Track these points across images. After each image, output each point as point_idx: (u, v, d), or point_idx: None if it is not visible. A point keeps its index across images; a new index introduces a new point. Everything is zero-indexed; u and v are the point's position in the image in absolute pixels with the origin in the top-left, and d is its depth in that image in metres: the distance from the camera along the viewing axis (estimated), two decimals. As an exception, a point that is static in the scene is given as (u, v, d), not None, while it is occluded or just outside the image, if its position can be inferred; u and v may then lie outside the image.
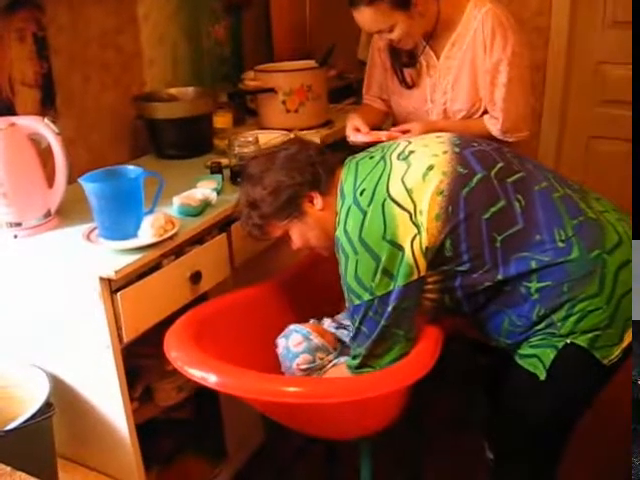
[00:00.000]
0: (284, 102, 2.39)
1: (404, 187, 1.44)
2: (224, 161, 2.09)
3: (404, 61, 2.07)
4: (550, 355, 1.43)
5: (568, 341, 1.41)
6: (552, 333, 1.43)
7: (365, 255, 1.42)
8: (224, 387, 1.39)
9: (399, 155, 1.52)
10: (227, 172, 2.05)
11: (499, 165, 1.48)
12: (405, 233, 1.41)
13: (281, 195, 1.56)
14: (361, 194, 1.48)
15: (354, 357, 1.52)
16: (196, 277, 1.74)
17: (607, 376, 1.48)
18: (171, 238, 1.65)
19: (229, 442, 2.10)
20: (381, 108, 2.23)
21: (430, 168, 1.45)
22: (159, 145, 2.33)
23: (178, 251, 1.71)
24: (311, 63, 2.49)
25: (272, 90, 2.39)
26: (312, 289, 1.96)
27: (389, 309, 1.42)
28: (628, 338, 1.43)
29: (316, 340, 1.70)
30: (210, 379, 1.37)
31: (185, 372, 1.42)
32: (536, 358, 1.46)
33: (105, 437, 1.74)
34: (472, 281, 1.45)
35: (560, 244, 1.41)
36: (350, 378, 1.49)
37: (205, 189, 1.87)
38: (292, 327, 1.76)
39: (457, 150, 1.50)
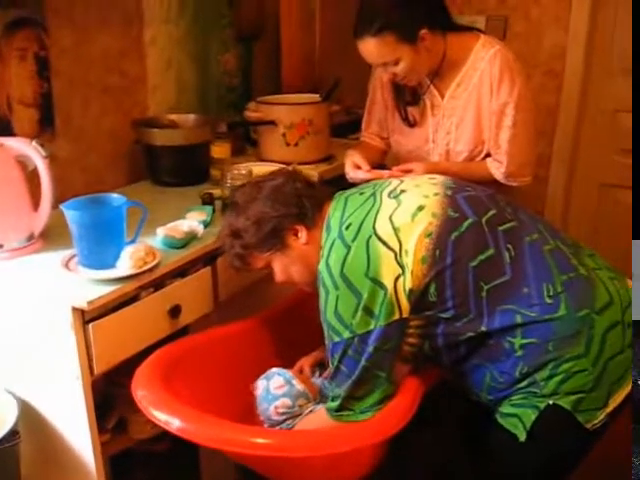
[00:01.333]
0: (284, 135, 2.37)
1: (391, 225, 1.41)
2: (217, 192, 2.06)
3: (407, 99, 2.04)
4: (531, 416, 1.38)
5: (550, 402, 1.36)
6: (534, 392, 1.38)
7: (346, 291, 1.38)
8: (187, 434, 1.33)
9: (390, 193, 1.49)
10: (219, 203, 2.02)
11: (491, 212, 1.44)
12: (389, 272, 1.37)
13: (264, 226, 1.52)
14: (347, 228, 1.44)
15: (333, 399, 1.46)
16: (175, 311, 1.70)
17: (590, 441, 1.43)
18: (151, 270, 1.61)
19: (205, 477, 2.05)
20: (380, 146, 2.20)
21: (420, 209, 1.42)
22: (155, 171, 2.31)
23: (158, 283, 1.68)
24: (314, 97, 2.47)
25: (273, 123, 2.37)
26: (299, 329, 1.92)
27: (370, 349, 1.37)
28: (613, 403, 1.38)
29: (298, 386, 1.66)
30: (173, 424, 1.32)
31: (149, 414, 1.38)
32: (516, 418, 1.40)
33: (71, 469, 1.69)
34: (455, 329, 1.40)
35: (548, 300, 1.36)
36: (321, 432, 1.42)
37: (192, 221, 1.84)
38: (275, 370, 1.72)
39: (449, 193, 1.46)
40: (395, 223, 1.41)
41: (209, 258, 1.84)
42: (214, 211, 1.99)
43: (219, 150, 2.33)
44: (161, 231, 1.75)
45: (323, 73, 3.12)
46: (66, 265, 1.61)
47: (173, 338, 1.70)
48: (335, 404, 1.45)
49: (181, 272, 1.75)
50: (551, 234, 1.47)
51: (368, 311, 1.37)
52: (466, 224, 1.40)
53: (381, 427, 1.35)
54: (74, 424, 1.63)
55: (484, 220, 1.42)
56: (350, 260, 1.40)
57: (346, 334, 1.38)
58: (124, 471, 1.98)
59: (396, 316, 1.38)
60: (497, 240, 1.40)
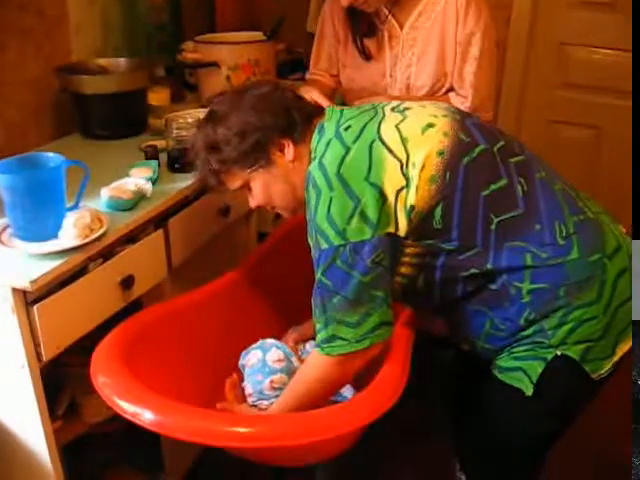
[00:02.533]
0: (228, 78, 2.16)
1: (399, 134, 1.27)
2: (160, 144, 1.86)
3: (363, 30, 1.88)
4: (537, 368, 1.29)
5: (558, 353, 1.28)
6: (540, 343, 1.29)
7: (342, 193, 1.23)
8: (162, 428, 1.17)
9: (393, 108, 1.36)
10: (164, 157, 1.82)
11: (501, 142, 1.33)
12: (391, 182, 1.23)
13: (247, 138, 1.34)
14: (346, 130, 1.30)
15: (320, 329, 1.27)
16: (128, 282, 1.52)
17: (595, 391, 1.36)
18: (98, 239, 1.42)
19: (166, 455, 1.90)
20: (329, 84, 2.02)
21: (430, 125, 1.29)
22: (86, 123, 2.07)
23: (107, 253, 1.48)
24: (258, 35, 2.27)
25: (215, 64, 2.16)
26: (268, 291, 1.78)
27: (365, 262, 1.22)
28: (620, 351, 1.31)
29: (297, 364, 1.53)
30: (145, 416, 1.16)
31: (114, 404, 1.21)
32: (521, 371, 1.31)
33: (24, 464, 1.51)
34: (456, 263, 1.28)
35: (560, 240, 1.26)
36: (309, 416, 1.25)
37: (139, 179, 1.64)
38: (271, 341, 1.59)
39: (457, 117, 1.34)
40: (403, 133, 1.27)
41: (160, 220, 1.66)
42: (159, 165, 1.79)
43: (157, 97, 2.11)
44: (106, 192, 1.55)
45: (260, 9, 2.90)
46: (-1, 239, 1.40)
47: (126, 313, 1.52)
48: (324, 334, 1.27)
49: (131, 238, 1.56)
50: (554, 174, 1.37)
51: (365, 218, 1.22)
52: (478, 150, 1.28)
53: (374, 404, 1.22)
54: (23, 417, 1.45)
55: (495, 149, 1.30)
56: (349, 161, 1.24)
57: (337, 240, 1.22)
58: (80, 455, 1.81)
59: (392, 229, 1.24)
60: (509, 171, 1.29)
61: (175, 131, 1.78)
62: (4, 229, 1.43)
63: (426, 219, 1.25)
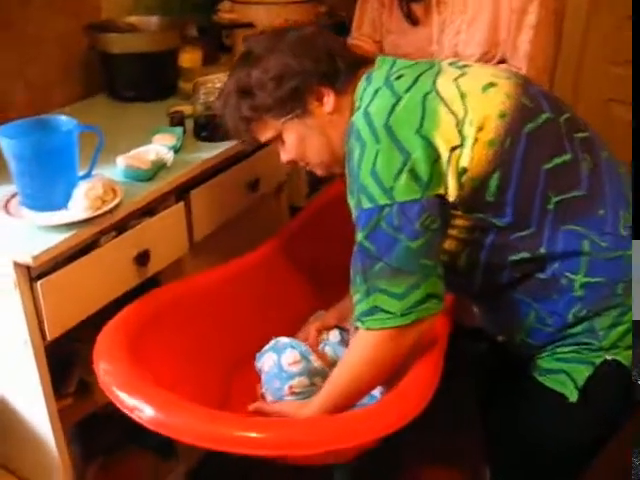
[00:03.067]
0: (264, 40, 2.02)
1: (457, 89, 1.14)
2: (187, 109, 1.74)
3: None
4: (584, 372, 1.17)
5: (608, 357, 1.15)
6: (588, 344, 1.16)
7: (390, 146, 1.09)
8: (161, 427, 1.06)
9: (451, 63, 1.24)
10: (190, 124, 1.70)
11: (567, 114, 1.19)
12: (445, 138, 1.10)
13: (284, 84, 1.20)
14: (397, 79, 1.17)
15: (359, 300, 1.13)
16: (143, 257, 1.42)
17: None
18: (111, 211, 1.32)
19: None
20: (372, 50, 1.88)
21: (492, 85, 1.16)
22: (113, 84, 1.98)
23: (121, 226, 1.38)
24: (298, -5, 2.12)
25: (251, 25, 2.03)
26: (304, 267, 1.66)
27: (414, 225, 1.08)
28: None
29: (316, 363, 1.41)
30: (144, 412, 1.05)
31: (112, 395, 1.11)
32: (565, 374, 1.19)
33: (30, 443, 1.44)
34: (507, 243, 1.14)
35: (622, 231, 1.13)
36: (326, 422, 1.13)
37: (160, 146, 1.53)
38: (285, 340, 1.46)
39: (520, 82, 1.20)
40: (462, 87, 1.14)
41: (181, 191, 1.55)
42: (184, 133, 1.68)
43: (188, 58, 1.99)
44: (122, 161, 1.45)
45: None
46: (5, 207, 1.31)
47: (142, 290, 1.42)
48: (364, 305, 1.12)
49: (149, 210, 1.46)
50: (615, 158, 1.22)
51: (415, 175, 1.08)
52: (543, 117, 1.14)
53: (397, 412, 1.10)
54: (27, 395, 1.37)
55: (561, 120, 1.17)
56: (399, 111, 1.11)
57: (383, 199, 1.08)
58: (89, 434, 1.74)
59: (442, 190, 1.11)
60: (574, 146, 1.15)
61: (202, 96, 1.66)
62: (13, 196, 1.34)
63: (479, 188, 1.11)
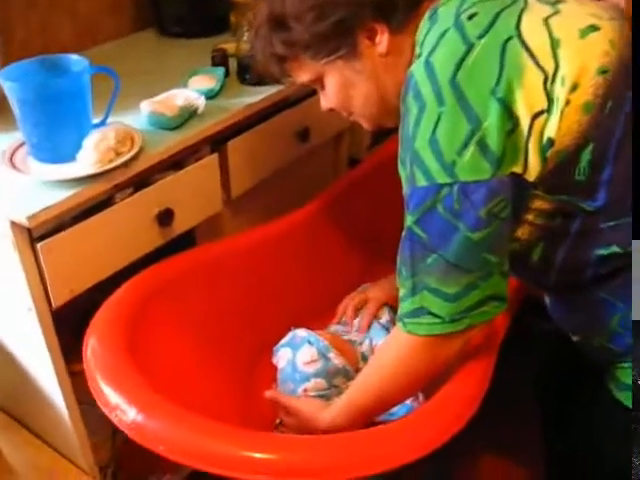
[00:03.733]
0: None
1: (547, 32, 0.87)
2: (232, 47, 1.55)
3: None
4: None
5: None
6: None
7: (455, 109, 0.85)
8: (142, 437, 0.88)
9: None
10: (234, 64, 1.52)
11: None
12: (528, 100, 0.84)
13: (327, 16, 0.95)
14: (470, 18, 0.89)
15: (404, 298, 0.94)
16: (165, 216, 1.27)
17: None
18: (126, 164, 1.16)
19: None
20: None
21: (593, 28, 0.88)
22: (162, 18, 1.81)
23: (140, 181, 1.23)
24: None
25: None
26: (348, 236, 1.49)
27: (477, 213, 0.85)
28: None
29: (336, 361, 1.21)
30: (128, 415, 0.88)
31: (93, 386, 0.97)
32: None
33: (44, 408, 1.34)
34: (595, 232, 0.91)
35: None
36: (350, 440, 0.92)
37: (192, 91, 1.36)
38: (302, 333, 1.26)
39: (625, 24, 0.92)
40: (554, 30, 0.87)
41: (217, 142, 1.38)
42: (227, 74, 1.50)
43: (242, -11, 1.79)
44: (146, 106, 1.29)
45: None
46: (10, 159, 1.17)
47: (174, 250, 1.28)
48: (408, 304, 0.93)
49: (176, 163, 1.30)
50: None
51: (484, 148, 0.84)
52: None
53: (435, 427, 0.91)
54: (37, 361, 1.26)
55: None
56: (471, 64, 0.85)
57: (442, 177, 0.85)
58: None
59: (518, 168, 0.86)
60: None
61: (247, 33, 1.46)
62: (21, 146, 1.20)
63: (567, 165, 0.87)
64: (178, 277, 1.19)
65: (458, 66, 0.85)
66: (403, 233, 0.92)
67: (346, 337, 1.28)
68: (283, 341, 1.26)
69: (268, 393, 1.17)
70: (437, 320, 0.91)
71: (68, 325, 1.25)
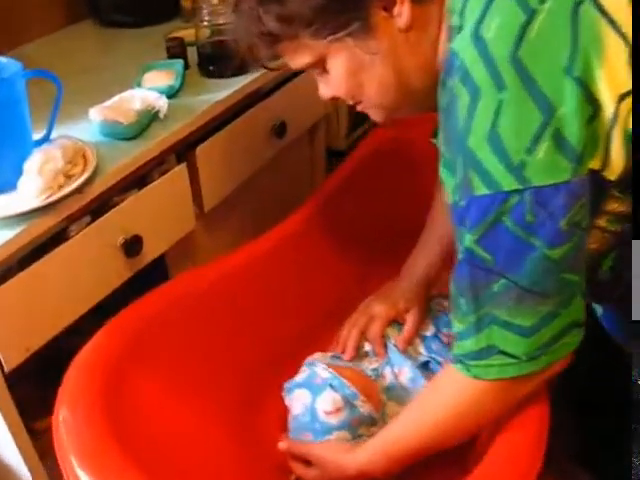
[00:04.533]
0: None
1: None
2: (189, 35, 1.33)
3: None
4: None
5: None
6: None
7: (521, 95, 0.66)
8: None
9: None
10: (193, 54, 1.30)
11: None
12: (612, 80, 0.66)
13: None
14: None
15: (464, 335, 0.76)
16: (132, 245, 1.05)
17: None
18: (80, 190, 0.94)
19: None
20: None
21: None
22: (98, 6, 1.57)
23: (98, 207, 1.01)
24: None
25: None
26: (347, 234, 1.31)
27: (556, 225, 0.68)
28: None
29: (362, 409, 0.99)
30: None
31: (66, 468, 0.77)
32: None
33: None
34: None
35: None
36: None
37: (149, 90, 1.14)
38: (322, 372, 1.03)
39: None
40: None
41: (183, 149, 1.17)
42: (186, 67, 1.28)
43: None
44: (97, 114, 1.07)
45: None
46: None
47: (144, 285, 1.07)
48: (472, 342, 0.75)
49: (138, 180, 1.08)
50: None
51: (562, 143, 0.66)
52: None
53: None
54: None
55: None
56: (535, 35, 0.66)
57: (508, 182, 0.67)
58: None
59: (597, 164, 0.68)
60: None
61: (206, 17, 1.25)
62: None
63: None
64: (157, 319, 0.98)
65: (519, 39, 0.65)
66: (459, 256, 0.74)
67: (360, 367, 1.09)
68: (298, 378, 1.05)
69: (282, 445, 0.98)
70: (511, 360, 0.74)
71: (26, 376, 1.04)
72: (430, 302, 1.17)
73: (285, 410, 1.06)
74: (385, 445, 0.89)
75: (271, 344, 1.14)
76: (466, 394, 0.80)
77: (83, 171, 0.96)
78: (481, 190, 0.68)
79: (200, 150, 1.19)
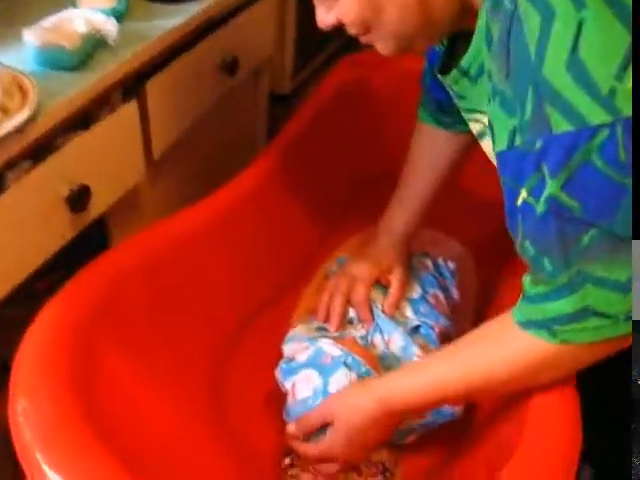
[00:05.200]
0: None
1: None
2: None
3: None
4: None
5: None
6: None
7: (605, 12, 0.56)
8: None
9: None
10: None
11: None
12: None
13: None
14: None
15: (549, 295, 0.67)
16: (79, 196, 0.88)
17: None
18: (20, 129, 0.77)
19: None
20: None
21: None
22: None
23: (39, 149, 0.83)
24: None
25: None
26: (310, 185, 1.22)
27: None
28: None
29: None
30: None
31: (31, 467, 0.63)
32: None
33: None
34: None
35: None
36: None
37: (93, 11, 0.95)
38: (331, 350, 0.90)
39: None
40: None
41: (132, 83, 0.99)
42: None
43: None
44: (33, 37, 0.87)
45: None
46: None
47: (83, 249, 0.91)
48: (566, 305, 0.66)
49: (83, 119, 0.91)
50: None
51: None
52: None
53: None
54: None
55: None
56: None
57: (596, 115, 0.57)
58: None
59: None
60: None
61: None
62: None
63: None
64: (116, 286, 0.82)
65: None
66: (539, 208, 0.62)
67: (348, 336, 0.97)
68: (301, 358, 0.91)
69: (290, 427, 0.86)
70: (607, 322, 0.65)
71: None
72: (411, 260, 1.07)
73: (256, 370, 0.95)
74: (413, 389, 0.79)
75: (242, 304, 1.02)
76: (542, 356, 0.71)
77: (22, 106, 0.78)
78: (562, 127, 0.57)
79: (150, 85, 1.02)
